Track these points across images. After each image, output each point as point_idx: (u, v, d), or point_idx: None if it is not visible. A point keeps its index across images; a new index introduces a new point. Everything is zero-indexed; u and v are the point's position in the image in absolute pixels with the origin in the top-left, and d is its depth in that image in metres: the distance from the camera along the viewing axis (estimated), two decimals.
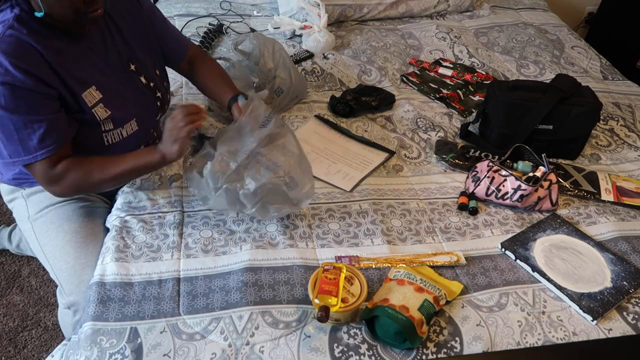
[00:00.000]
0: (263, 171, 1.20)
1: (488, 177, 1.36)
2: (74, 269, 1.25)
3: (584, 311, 1.11)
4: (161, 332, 1.03)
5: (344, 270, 1.07)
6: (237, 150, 1.21)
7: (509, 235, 1.29)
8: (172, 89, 1.61)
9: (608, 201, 1.41)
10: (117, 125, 1.23)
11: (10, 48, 1.02)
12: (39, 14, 1.04)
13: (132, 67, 1.27)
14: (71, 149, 1.18)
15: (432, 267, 1.19)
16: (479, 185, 1.37)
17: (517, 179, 1.33)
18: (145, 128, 1.33)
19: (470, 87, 1.86)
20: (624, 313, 1.13)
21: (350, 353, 1.02)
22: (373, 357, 1.01)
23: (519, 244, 1.26)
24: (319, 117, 1.65)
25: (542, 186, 1.33)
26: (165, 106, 1.41)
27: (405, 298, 1.05)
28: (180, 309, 1.08)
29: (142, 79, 1.30)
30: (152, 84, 1.32)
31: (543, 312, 1.11)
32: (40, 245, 1.30)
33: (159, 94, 1.35)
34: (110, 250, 1.19)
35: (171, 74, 1.82)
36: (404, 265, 1.17)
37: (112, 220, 1.28)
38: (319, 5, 2.02)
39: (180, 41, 1.44)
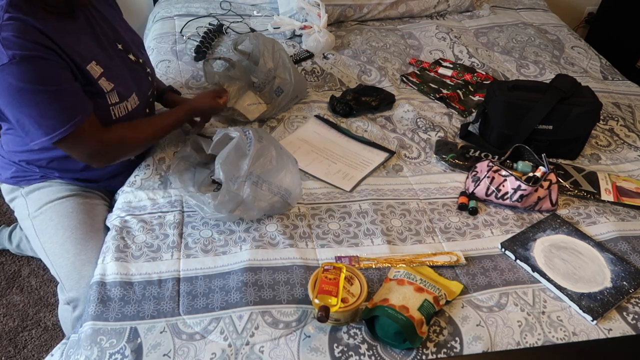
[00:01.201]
0: (260, 194, 1.24)
1: (488, 177, 1.37)
2: (73, 265, 1.25)
3: (584, 311, 1.11)
4: (161, 332, 1.03)
5: (344, 270, 1.07)
6: (235, 177, 1.23)
7: (509, 235, 1.29)
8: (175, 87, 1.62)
9: (608, 201, 1.41)
10: (122, 99, 1.25)
11: (14, 28, 1.04)
12: None
13: (119, 46, 1.31)
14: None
15: (432, 267, 1.19)
16: (478, 185, 1.37)
17: (517, 179, 1.33)
18: (144, 103, 1.36)
19: (470, 87, 1.87)
20: (624, 313, 1.13)
21: (350, 353, 1.02)
22: (373, 357, 1.01)
23: (518, 244, 1.26)
24: (319, 117, 1.65)
25: (542, 186, 1.33)
26: (154, 83, 1.45)
27: (405, 298, 1.05)
28: (180, 309, 1.08)
29: (131, 56, 1.33)
30: (140, 60, 1.37)
31: (543, 312, 1.11)
32: (41, 242, 1.31)
33: (148, 70, 1.39)
34: (111, 250, 1.19)
35: (171, 73, 1.82)
36: (403, 265, 1.18)
37: (113, 220, 1.28)
38: (319, 5, 2.02)
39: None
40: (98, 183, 1.41)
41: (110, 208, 1.39)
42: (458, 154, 1.52)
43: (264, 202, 1.25)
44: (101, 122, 1.21)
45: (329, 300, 1.00)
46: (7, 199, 1.41)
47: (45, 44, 1.07)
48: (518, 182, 1.33)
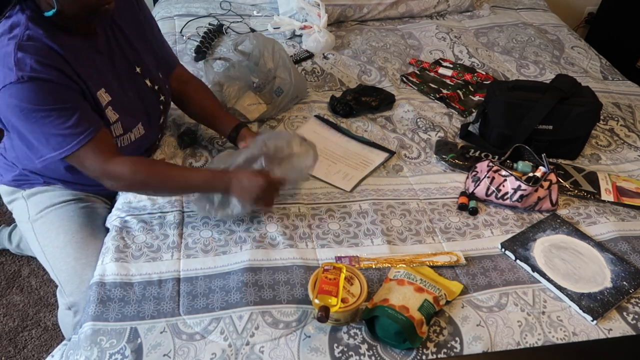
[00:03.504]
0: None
1: (488, 177, 1.36)
2: (74, 269, 1.25)
3: (584, 311, 1.11)
4: (161, 332, 1.03)
5: (344, 271, 1.07)
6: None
7: (509, 235, 1.29)
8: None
9: (608, 201, 1.41)
10: (126, 130, 1.23)
11: (31, 49, 1.03)
12: (48, 13, 1.04)
13: (138, 69, 1.27)
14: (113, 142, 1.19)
15: (432, 267, 1.19)
16: (479, 185, 1.37)
17: (517, 179, 1.33)
18: (150, 131, 1.34)
19: (470, 87, 1.86)
20: (624, 313, 1.13)
21: (350, 353, 1.02)
22: (373, 357, 1.01)
23: (518, 244, 1.26)
24: (319, 117, 1.65)
25: (542, 186, 1.33)
26: (167, 109, 1.42)
27: (405, 298, 1.05)
28: (180, 309, 1.08)
29: (147, 82, 1.30)
30: (156, 87, 1.33)
31: (543, 312, 1.11)
32: (41, 245, 1.30)
33: (162, 97, 1.35)
34: (110, 250, 1.19)
35: None
36: (404, 266, 1.17)
37: (112, 221, 1.28)
38: (319, 5, 2.02)
39: (171, 52, 1.45)
40: (100, 187, 1.39)
41: (111, 211, 1.38)
42: (458, 154, 1.51)
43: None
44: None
45: (329, 301, 1.00)
46: (5, 200, 1.40)
47: (62, 69, 1.06)
48: (518, 182, 1.33)
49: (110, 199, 1.44)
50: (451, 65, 1.97)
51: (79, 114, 1.09)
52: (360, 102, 1.68)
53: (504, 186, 1.35)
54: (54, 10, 1.03)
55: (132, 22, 1.27)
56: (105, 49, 1.20)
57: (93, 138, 1.10)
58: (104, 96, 1.17)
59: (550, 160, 1.53)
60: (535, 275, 1.18)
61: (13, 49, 1.02)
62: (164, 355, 1.00)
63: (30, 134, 1.08)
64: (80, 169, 1.15)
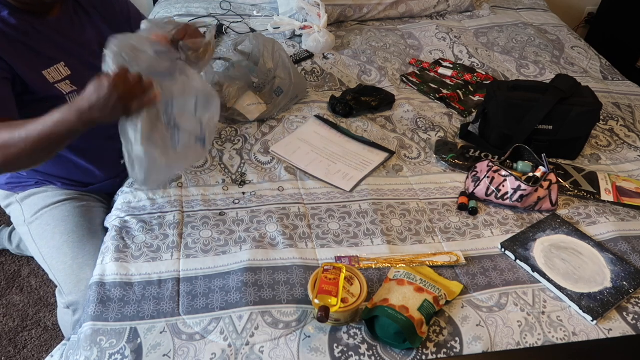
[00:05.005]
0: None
1: (488, 177, 1.36)
2: (72, 268, 1.25)
3: (583, 311, 1.11)
4: (161, 332, 1.03)
5: (344, 271, 1.07)
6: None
7: (509, 236, 1.29)
8: None
9: (608, 201, 1.41)
10: None
11: None
12: None
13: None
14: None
15: (431, 267, 1.19)
16: (478, 185, 1.37)
17: (517, 179, 1.33)
18: None
19: (470, 87, 1.86)
20: (624, 313, 1.13)
21: (350, 353, 1.02)
22: (373, 357, 1.01)
23: (518, 244, 1.26)
24: (318, 117, 1.65)
25: (542, 186, 1.33)
26: None
27: (405, 298, 1.05)
28: (180, 309, 1.08)
29: None
30: None
31: (543, 312, 1.11)
32: (38, 247, 1.31)
33: None
34: (110, 250, 1.19)
35: None
36: (403, 266, 1.17)
37: (112, 221, 1.28)
38: (319, 5, 2.02)
39: None
40: (93, 186, 1.40)
41: (107, 210, 1.38)
42: (458, 154, 1.51)
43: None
44: None
45: (329, 301, 1.00)
46: (2, 204, 1.41)
47: None
48: (518, 182, 1.33)
49: (106, 198, 1.44)
50: (451, 65, 1.97)
51: None
52: (360, 102, 1.68)
53: (504, 186, 1.35)
54: None
55: (100, 8, 1.29)
56: (68, 29, 1.21)
57: None
58: (61, 70, 1.17)
59: (550, 160, 1.53)
60: (535, 275, 1.18)
61: None
62: (164, 355, 1.00)
63: None
64: None
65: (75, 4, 1.25)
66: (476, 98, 1.82)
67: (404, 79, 1.89)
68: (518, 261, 1.22)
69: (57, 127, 0.97)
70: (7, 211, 1.40)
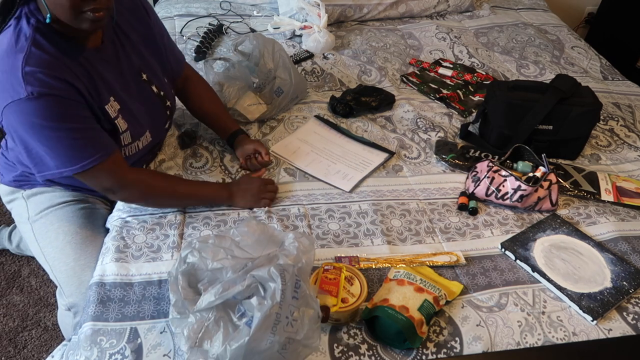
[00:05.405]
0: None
1: (488, 177, 1.37)
2: (73, 270, 1.25)
3: (584, 311, 1.11)
4: (161, 333, 1.03)
5: (344, 271, 1.07)
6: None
7: (509, 236, 1.29)
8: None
9: (608, 201, 1.41)
10: (134, 139, 1.23)
11: (39, 61, 1.02)
12: (47, 20, 1.03)
13: (144, 76, 1.27)
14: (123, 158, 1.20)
15: (431, 267, 1.19)
16: (478, 185, 1.37)
17: (517, 179, 1.33)
18: (157, 138, 1.34)
19: (470, 87, 1.86)
20: (624, 313, 1.13)
21: (350, 353, 1.02)
22: (373, 357, 1.01)
23: (519, 244, 1.26)
24: (318, 117, 1.65)
25: (542, 186, 1.33)
26: (172, 115, 1.42)
27: (405, 298, 1.05)
28: None
29: (154, 88, 1.30)
30: (162, 93, 1.32)
31: (543, 312, 1.11)
32: (40, 246, 1.30)
33: (168, 103, 1.35)
34: (110, 250, 1.19)
35: None
36: (403, 266, 1.17)
37: (113, 221, 1.28)
38: (319, 5, 2.02)
39: (179, 57, 1.45)
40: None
41: (111, 212, 1.38)
42: (458, 154, 1.51)
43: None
44: None
45: (329, 300, 1.00)
46: (5, 200, 1.39)
47: (70, 81, 1.05)
48: (518, 182, 1.33)
49: (110, 200, 1.44)
50: (451, 65, 1.97)
51: (91, 133, 1.10)
52: (360, 102, 1.68)
53: (504, 186, 1.35)
54: (49, 16, 1.02)
55: (139, 29, 1.26)
56: (112, 57, 1.19)
57: (108, 158, 1.12)
58: (113, 105, 1.17)
59: (550, 160, 1.53)
60: (535, 275, 1.18)
61: (21, 62, 1.00)
62: (164, 355, 1.00)
63: (40, 149, 1.07)
64: (89, 184, 1.17)
65: (117, 30, 1.21)
66: (476, 98, 1.82)
67: (404, 79, 1.89)
68: (518, 261, 1.22)
69: (211, 196, 1.31)
70: (9, 207, 1.39)
